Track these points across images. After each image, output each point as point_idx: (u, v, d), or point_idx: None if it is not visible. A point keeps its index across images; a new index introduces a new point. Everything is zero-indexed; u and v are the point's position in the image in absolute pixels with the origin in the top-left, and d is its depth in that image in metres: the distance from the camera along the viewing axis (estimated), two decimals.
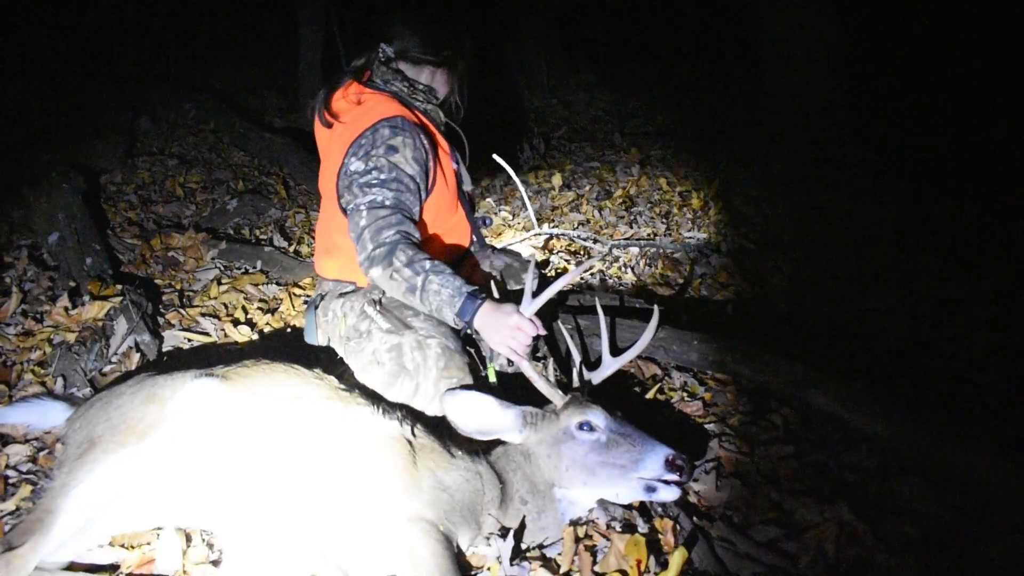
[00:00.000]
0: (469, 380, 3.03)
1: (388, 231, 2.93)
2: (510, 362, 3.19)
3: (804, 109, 7.29)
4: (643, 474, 2.43)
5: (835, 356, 3.67)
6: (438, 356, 3.00)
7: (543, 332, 2.80)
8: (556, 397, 2.68)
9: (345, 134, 3.12)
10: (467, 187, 3.51)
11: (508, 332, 2.74)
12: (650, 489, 2.43)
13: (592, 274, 4.99)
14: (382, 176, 3.00)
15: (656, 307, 2.85)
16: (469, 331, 2.92)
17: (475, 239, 3.58)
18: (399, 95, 3.25)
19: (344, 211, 3.10)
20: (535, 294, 2.80)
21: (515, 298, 2.91)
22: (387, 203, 2.98)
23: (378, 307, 3.18)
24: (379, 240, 2.92)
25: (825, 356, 3.66)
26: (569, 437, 2.53)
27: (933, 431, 2.87)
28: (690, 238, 5.62)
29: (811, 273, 4.79)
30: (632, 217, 6.21)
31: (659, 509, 2.64)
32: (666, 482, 2.42)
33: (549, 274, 4.67)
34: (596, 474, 2.49)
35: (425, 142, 3.14)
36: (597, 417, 2.53)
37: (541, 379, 2.73)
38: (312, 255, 4.85)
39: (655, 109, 9.45)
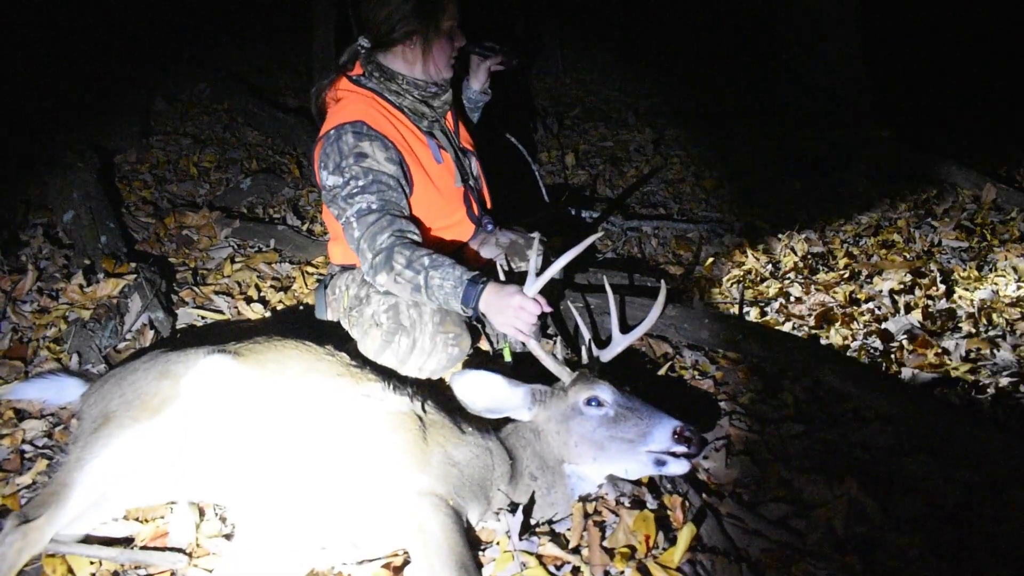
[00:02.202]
0: (466, 335, 3.12)
1: (382, 235, 2.96)
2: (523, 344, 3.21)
3: (822, 88, 7.20)
4: (652, 447, 2.43)
5: (847, 334, 3.66)
6: (433, 312, 3.08)
7: (548, 309, 2.82)
8: (564, 374, 2.69)
9: (320, 135, 3.17)
10: (458, 184, 3.41)
11: (512, 312, 2.76)
12: (660, 463, 2.43)
13: (604, 253, 4.98)
14: (360, 183, 3.02)
15: (663, 283, 2.85)
16: (477, 316, 2.93)
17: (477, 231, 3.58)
18: (376, 91, 3.23)
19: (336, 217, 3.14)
20: (539, 273, 2.80)
21: (520, 279, 2.91)
22: (374, 207, 3.01)
23: None
24: (376, 247, 2.95)
25: (837, 335, 3.65)
26: (577, 413, 2.54)
27: (944, 409, 2.87)
28: (703, 217, 5.61)
29: (824, 253, 4.77)
30: (645, 196, 6.20)
31: (668, 486, 2.65)
32: (675, 455, 2.42)
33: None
34: (605, 449, 2.49)
35: (393, 143, 3.12)
36: (604, 392, 2.53)
37: (548, 357, 2.74)
38: (324, 234, 4.87)
39: (670, 89, 9.38)
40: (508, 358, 3.13)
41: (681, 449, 2.41)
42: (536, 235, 3.26)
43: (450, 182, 3.36)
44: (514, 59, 3.61)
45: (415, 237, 3.03)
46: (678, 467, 2.43)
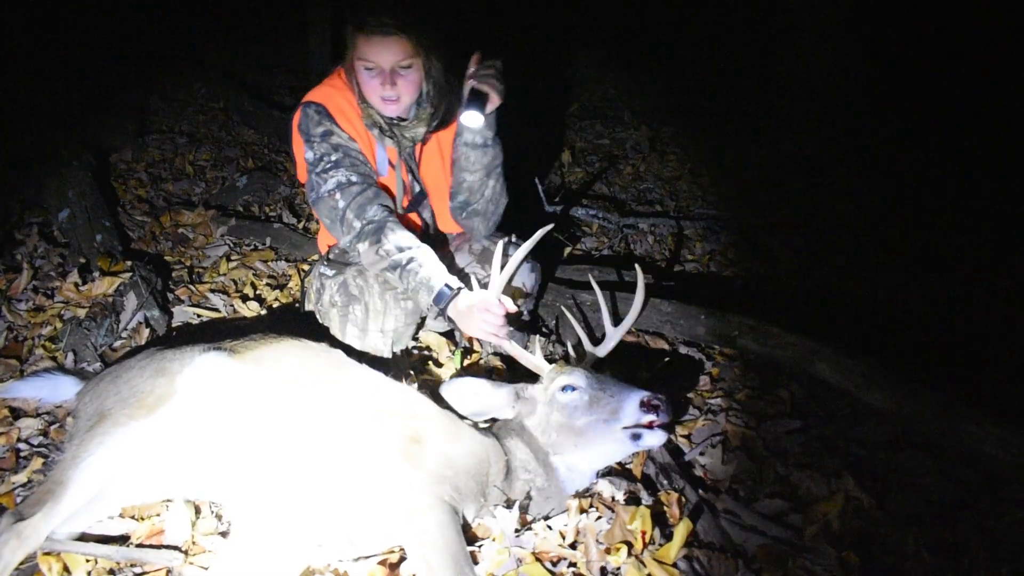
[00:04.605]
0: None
1: (371, 207, 3.00)
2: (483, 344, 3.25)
3: (818, 87, 7.22)
4: (625, 423, 2.42)
5: (844, 331, 3.66)
6: (377, 275, 3.13)
7: (512, 310, 2.86)
8: (542, 369, 2.71)
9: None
10: (399, 210, 3.31)
11: (479, 316, 2.79)
12: (636, 437, 2.42)
13: (600, 250, 4.98)
14: (333, 157, 3.05)
15: (637, 268, 2.86)
16: (443, 318, 2.99)
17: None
18: (352, 85, 3.12)
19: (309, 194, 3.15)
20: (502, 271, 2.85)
21: None
22: (353, 179, 3.03)
23: (325, 262, 3.33)
24: (365, 217, 2.99)
25: (834, 331, 3.65)
26: (555, 402, 2.56)
27: (941, 406, 2.87)
28: (700, 214, 5.60)
29: (821, 250, 4.77)
30: (641, 194, 6.20)
31: (664, 482, 2.65)
32: (650, 426, 2.41)
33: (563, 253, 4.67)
34: (584, 434, 2.50)
35: (348, 134, 3.11)
36: (578, 378, 2.55)
37: (525, 355, 2.77)
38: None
39: (666, 87, 9.37)
40: (458, 364, 3.17)
41: (651, 418, 2.39)
42: (509, 235, 3.28)
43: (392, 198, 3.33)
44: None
45: (397, 214, 3.08)
46: (653, 438, 2.42)
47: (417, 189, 3.37)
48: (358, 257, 3.11)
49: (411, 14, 2.90)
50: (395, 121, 3.18)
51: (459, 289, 2.88)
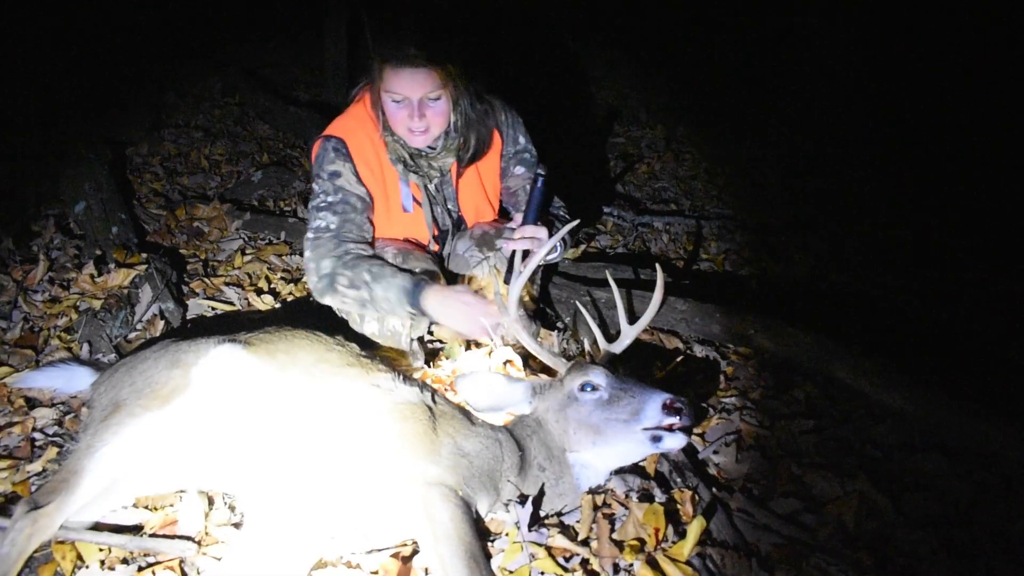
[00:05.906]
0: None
1: (325, 261, 2.99)
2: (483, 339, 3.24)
3: (832, 89, 7.21)
4: (646, 424, 2.39)
5: (860, 331, 3.64)
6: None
7: (491, 297, 2.86)
8: (560, 366, 2.70)
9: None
10: (431, 246, 3.35)
11: (460, 309, 2.80)
12: (656, 439, 2.38)
13: (615, 248, 4.97)
14: (329, 199, 3.06)
15: (658, 267, 2.83)
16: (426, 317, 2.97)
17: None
18: (378, 117, 3.09)
19: None
20: (508, 272, 2.87)
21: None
22: (332, 227, 3.04)
23: None
24: (320, 271, 3.00)
25: (850, 331, 3.63)
26: (573, 400, 2.53)
27: (956, 407, 2.85)
28: (715, 214, 5.59)
29: (837, 249, 4.75)
30: (656, 192, 6.18)
31: (678, 480, 2.64)
32: (671, 429, 2.38)
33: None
34: (602, 432, 2.47)
35: (360, 175, 3.10)
36: (598, 376, 2.53)
37: (544, 351, 2.76)
38: None
39: (682, 86, 9.34)
40: (454, 356, 3.11)
41: (672, 421, 2.37)
42: (507, 227, 3.25)
43: (421, 233, 3.32)
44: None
45: (360, 251, 3.03)
46: (674, 441, 2.39)
47: (449, 222, 3.36)
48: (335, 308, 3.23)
49: (438, 44, 2.85)
50: (421, 153, 3.15)
51: (425, 283, 2.86)
